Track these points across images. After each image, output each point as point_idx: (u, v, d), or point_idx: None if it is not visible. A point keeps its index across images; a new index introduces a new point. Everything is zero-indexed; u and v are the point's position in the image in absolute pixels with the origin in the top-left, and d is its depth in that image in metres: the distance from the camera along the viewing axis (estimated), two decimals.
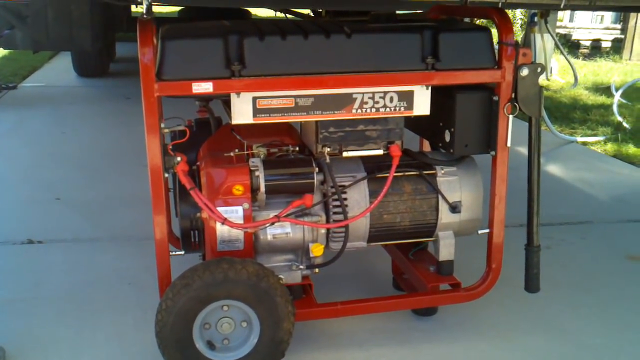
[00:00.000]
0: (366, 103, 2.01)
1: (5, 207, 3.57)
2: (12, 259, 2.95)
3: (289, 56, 1.93)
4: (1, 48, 5.92)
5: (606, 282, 2.83)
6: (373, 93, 2.01)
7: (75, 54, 7.39)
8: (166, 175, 1.98)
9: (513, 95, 2.09)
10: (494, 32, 2.10)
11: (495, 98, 2.11)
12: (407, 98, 2.04)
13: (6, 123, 5.45)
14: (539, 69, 2.08)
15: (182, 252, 2.18)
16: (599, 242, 3.29)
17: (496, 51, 2.09)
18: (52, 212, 3.50)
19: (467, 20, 2.43)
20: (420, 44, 2.01)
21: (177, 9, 7.64)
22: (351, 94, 1.99)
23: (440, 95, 2.13)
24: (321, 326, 2.37)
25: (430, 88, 2.04)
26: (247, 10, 7.45)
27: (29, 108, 6.00)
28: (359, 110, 2.02)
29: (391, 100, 2.03)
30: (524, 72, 2.07)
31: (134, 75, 1.84)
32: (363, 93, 2.00)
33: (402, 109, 2.05)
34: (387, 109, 2.04)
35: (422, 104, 2.05)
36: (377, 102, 2.02)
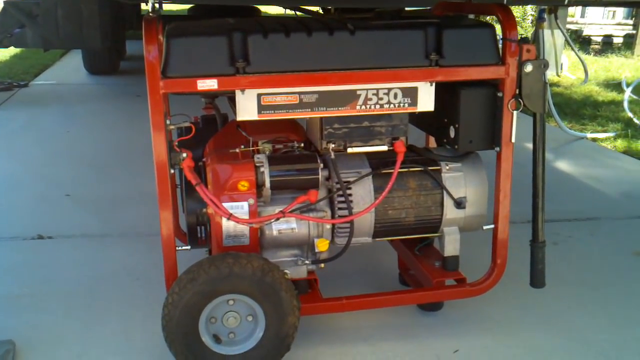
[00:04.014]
0: (370, 99, 2.02)
1: (16, 203, 3.61)
2: (22, 254, 2.98)
3: (293, 53, 1.95)
4: (12, 46, 5.96)
5: (613, 279, 2.83)
6: (377, 89, 2.02)
7: (85, 52, 7.45)
8: (172, 171, 2.00)
9: (517, 91, 2.10)
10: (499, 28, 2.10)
11: (500, 94, 2.11)
12: (411, 94, 2.04)
13: (17, 121, 5.50)
14: (543, 65, 2.08)
15: (189, 247, 2.20)
16: (607, 239, 3.28)
17: (500, 47, 2.10)
18: (62, 208, 3.53)
19: (471, 16, 2.43)
20: (423, 41, 2.02)
21: (187, 7, 7.67)
22: (355, 90, 2.00)
23: (444, 92, 2.14)
24: (327, 321, 2.38)
25: (434, 84, 2.05)
26: (257, 9, 7.47)
27: (40, 106, 6.05)
28: (363, 107, 2.03)
29: (395, 96, 2.04)
30: (528, 68, 2.07)
31: (144, 73, 1.87)
32: (367, 89, 2.01)
33: (406, 105, 2.06)
34: (391, 105, 2.05)
35: (426, 101, 2.06)
36: (381, 99, 2.03)
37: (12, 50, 8.66)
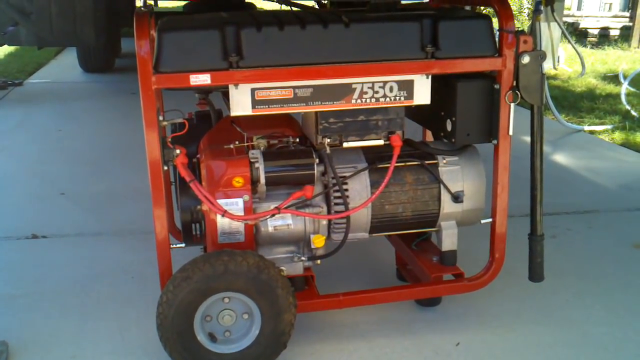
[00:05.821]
0: (366, 93, 2.00)
1: (10, 202, 3.58)
2: (17, 254, 2.95)
3: (287, 47, 1.92)
4: (6, 45, 5.93)
5: (612, 271, 2.81)
6: (372, 83, 1.99)
7: (80, 49, 7.40)
8: (165, 168, 1.97)
9: (514, 83, 2.07)
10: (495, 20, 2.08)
11: (497, 86, 2.09)
12: (407, 87, 2.02)
13: (12, 119, 5.46)
14: (540, 57, 2.06)
15: (183, 245, 2.18)
16: (606, 231, 3.26)
17: (497, 39, 2.07)
18: (57, 207, 3.51)
19: (468, 8, 2.40)
20: (419, 33, 1.99)
21: (182, 4, 7.63)
22: (350, 84, 1.98)
23: (441, 84, 2.11)
24: (324, 317, 2.36)
25: (430, 77, 2.02)
26: (253, 5, 7.42)
27: (34, 104, 6.02)
28: (359, 101, 2.00)
29: (391, 89, 2.01)
30: (525, 59, 2.05)
31: None
32: (362, 83, 1.98)
33: (402, 98, 2.03)
34: (387, 99, 2.02)
35: (422, 93, 2.04)
36: (377, 92, 2.01)
37: (6, 49, 8.62)
